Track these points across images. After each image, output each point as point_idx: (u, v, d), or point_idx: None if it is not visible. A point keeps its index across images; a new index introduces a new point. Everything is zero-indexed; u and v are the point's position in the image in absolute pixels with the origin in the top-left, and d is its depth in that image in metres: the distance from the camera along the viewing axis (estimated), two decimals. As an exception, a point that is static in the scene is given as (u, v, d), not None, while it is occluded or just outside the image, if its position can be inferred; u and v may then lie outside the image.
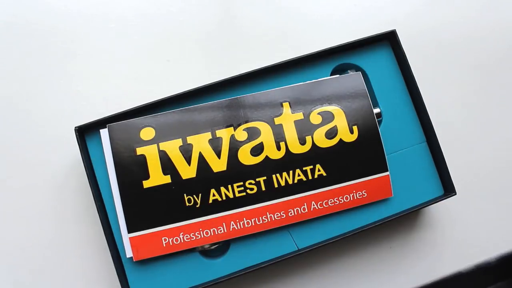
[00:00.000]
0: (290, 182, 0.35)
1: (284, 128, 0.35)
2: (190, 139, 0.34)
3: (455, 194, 0.36)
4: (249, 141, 0.35)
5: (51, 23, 0.40)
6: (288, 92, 0.36)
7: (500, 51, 0.42)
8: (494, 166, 0.40)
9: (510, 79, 0.42)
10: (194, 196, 0.34)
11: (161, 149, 0.34)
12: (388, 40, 0.38)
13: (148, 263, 0.34)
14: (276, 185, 0.34)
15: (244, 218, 0.34)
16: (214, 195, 0.34)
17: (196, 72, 0.40)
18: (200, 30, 0.41)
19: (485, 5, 0.43)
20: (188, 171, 0.34)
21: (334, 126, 0.35)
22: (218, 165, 0.34)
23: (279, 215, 0.34)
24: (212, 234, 0.34)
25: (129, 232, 0.33)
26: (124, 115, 0.35)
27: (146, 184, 0.34)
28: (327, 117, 0.35)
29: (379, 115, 0.37)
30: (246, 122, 0.35)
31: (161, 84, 0.39)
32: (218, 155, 0.34)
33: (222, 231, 0.34)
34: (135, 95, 0.39)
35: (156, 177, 0.34)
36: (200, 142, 0.34)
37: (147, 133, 0.34)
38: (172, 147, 0.34)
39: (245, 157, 0.34)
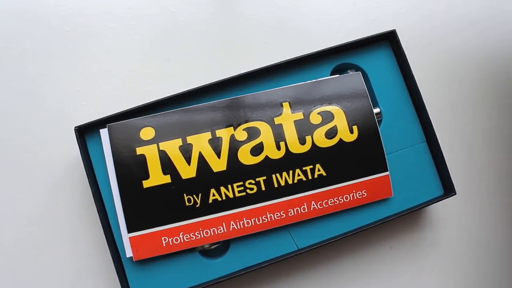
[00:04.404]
0: (290, 182, 0.35)
1: (284, 128, 0.35)
2: (190, 139, 0.34)
3: (455, 194, 0.36)
4: (249, 141, 0.35)
5: (52, 23, 0.40)
6: (288, 92, 0.36)
7: (500, 51, 0.42)
8: (494, 166, 0.40)
9: (510, 78, 0.42)
10: (194, 196, 0.34)
11: (161, 149, 0.34)
12: (388, 40, 0.38)
13: (148, 263, 0.34)
14: (276, 185, 0.34)
15: (244, 218, 0.34)
16: (214, 195, 0.34)
17: (196, 72, 0.40)
18: (200, 30, 0.41)
19: (486, 5, 0.43)
20: (188, 171, 0.34)
21: (334, 126, 0.35)
22: (218, 165, 0.34)
23: (279, 215, 0.34)
24: (212, 234, 0.34)
25: (129, 232, 0.33)
26: (124, 115, 0.35)
27: (146, 184, 0.34)
28: (327, 117, 0.35)
29: (379, 115, 0.37)
30: (246, 122, 0.35)
31: (161, 84, 0.39)
32: (218, 155, 0.34)
33: (222, 231, 0.34)
34: (135, 95, 0.39)
35: (156, 177, 0.34)
36: (200, 142, 0.34)
37: (147, 133, 0.34)
38: (172, 147, 0.34)
39: (245, 157, 0.34)
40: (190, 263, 0.35)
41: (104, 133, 0.34)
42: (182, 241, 0.34)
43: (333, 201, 0.35)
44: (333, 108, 0.36)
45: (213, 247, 0.35)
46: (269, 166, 0.35)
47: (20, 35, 0.39)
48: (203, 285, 0.34)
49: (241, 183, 0.34)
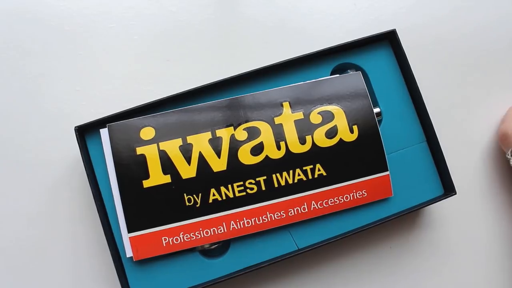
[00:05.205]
0: (290, 181, 0.35)
1: (284, 127, 0.35)
2: (190, 139, 0.34)
3: (455, 194, 0.36)
4: (249, 141, 0.35)
5: (52, 23, 0.40)
6: (288, 92, 0.36)
7: (500, 51, 0.42)
8: (494, 166, 0.40)
9: (510, 78, 0.42)
10: (194, 195, 0.34)
11: (161, 148, 0.34)
12: (388, 40, 0.38)
13: (148, 262, 0.34)
14: (276, 185, 0.34)
15: (244, 218, 0.34)
16: (214, 195, 0.34)
17: (196, 72, 0.40)
18: (200, 30, 0.41)
19: (486, 5, 0.43)
20: (188, 171, 0.34)
21: (334, 126, 0.35)
22: (218, 164, 0.34)
23: (279, 215, 0.34)
24: (212, 234, 0.34)
25: (129, 231, 0.33)
26: (124, 115, 0.35)
27: (146, 183, 0.34)
28: (327, 116, 0.35)
29: (379, 114, 0.37)
30: (246, 121, 0.35)
31: (161, 84, 0.39)
32: (218, 154, 0.34)
33: (222, 231, 0.34)
34: (135, 95, 0.39)
35: (156, 177, 0.34)
36: (200, 142, 0.34)
37: (147, 133, 0.34)
38: (172, 146, 0.34)
39: (245, 157, 0.34)
40: (190, 263, 0.35)
41: (104, 133, 0.34)
42: (182, 241, 0.34)
43: (333, 201, 0.35)
44: (333, 108, 0.36)
45: (213, 247, 0.35)
46: (269, 166, 0.35)
47: (20, 35, 0.39)
48: (203, 285, 0.34)
49: (241, 183, 0.34)
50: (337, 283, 0.38)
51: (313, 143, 0.35)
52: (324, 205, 0.35)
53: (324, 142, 0.35)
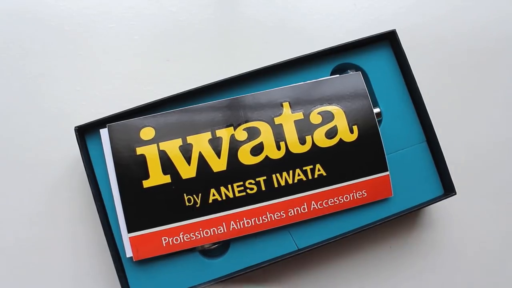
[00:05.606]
0: (290, 182, 0.35)
1: (284, 128, 0.35)
2: (190, 139, 0.34)
3: (455, 194, 0.36)
4: (249, 141, 0.35)
5: (52, 23, 0.40)
6: (288, 92, 0.36)
7: (500, 51, 0.42)
8: (494, 166, 0.40)
9: (510, 78, 0.42)
10: (194, 196, 0.34)
11: (161, 149, 0.34)
12: (388, 40, 0.38)
13: (148, 263, 0.34)
14: (276, 185, 0.34)
15: (244, 218, 0.34)
16: (214, 195, 0.34)
17: (196, 72, 0.40)
18: (200, 30, 0.41)
19: (486, 5, 0.43)
20: (188, 171, 0.34)
21: (334, 126, 0.35)
22: (218, 165, 0.34)
23: (279, 215, 0.34)
24: (212, 234, 0.34)
25: (129, 232, 0.33)
26: (124, 115, 0.35)
27: (146, 184, 0.34)
28: (327, 117, 0.35)
29: (379, 115, 0.37)
30: (246, 122, 0.35)
31: (161, 84, 0.39)
32: (218, 155, 0.34)
33: (222, 231, 0.34)
34: (135, 95, 0.39)
35: (156, 177, 0.34)
36: (200, 142, 0.34)
37: (147, 133, 0.34)
38: (172, 147, 0.34)
39: (245, 157, 0.34)
40: (190, 263, 0.35)
41: (104, 133, 0.34)
42: (182, 241, 0.34)
43: (333, 201, 0.35)
44: (333, 108, 0.36)
45: (213, 247, 0.35)
46: (269, 166, 0.35)
47: (20, 35, 0.39)
48: (203, 285, 0.34)
49: (241, 183, 0.34)
50: (337, 283, 0.38)
51: (313, 143, 0.35)
52: (324, 205, 0.35)
53: (324, 142, 0.35)
